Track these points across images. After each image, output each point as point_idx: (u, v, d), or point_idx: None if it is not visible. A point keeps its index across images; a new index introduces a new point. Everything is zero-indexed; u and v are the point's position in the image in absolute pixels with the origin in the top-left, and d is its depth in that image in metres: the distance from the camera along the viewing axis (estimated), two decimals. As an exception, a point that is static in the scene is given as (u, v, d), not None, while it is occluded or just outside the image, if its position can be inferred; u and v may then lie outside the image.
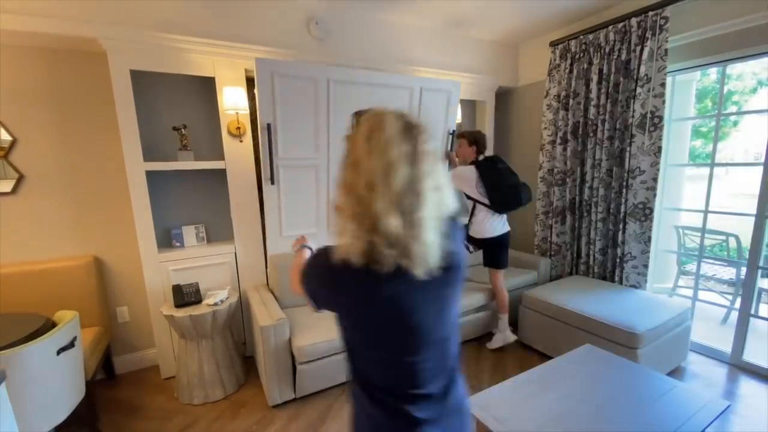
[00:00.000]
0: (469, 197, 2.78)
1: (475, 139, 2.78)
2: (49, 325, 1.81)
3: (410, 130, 0.75)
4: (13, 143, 2.27)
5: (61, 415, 1.68)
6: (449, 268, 0.81)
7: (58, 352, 1.63)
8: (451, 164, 3.09)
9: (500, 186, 2.65)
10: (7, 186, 2.28)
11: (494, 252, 2.81)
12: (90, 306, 2.43)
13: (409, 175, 0.72)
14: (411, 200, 0.72)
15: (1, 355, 1.44)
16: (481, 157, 2.80)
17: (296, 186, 2.63)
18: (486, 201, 2.69)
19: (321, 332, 2.29)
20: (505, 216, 2.80)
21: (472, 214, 2.84)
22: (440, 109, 2.99)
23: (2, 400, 0.95)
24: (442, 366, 0.87)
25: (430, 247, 0.74)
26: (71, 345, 1.72)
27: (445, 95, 2.96)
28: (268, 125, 2.37)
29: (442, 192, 0.77)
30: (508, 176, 2.70)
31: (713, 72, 3.42)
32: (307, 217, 2.76)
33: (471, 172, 2.70)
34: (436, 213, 0.75)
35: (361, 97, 2.56)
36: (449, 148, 3.19)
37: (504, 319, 2.86)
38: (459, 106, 3.26)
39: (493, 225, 2.75)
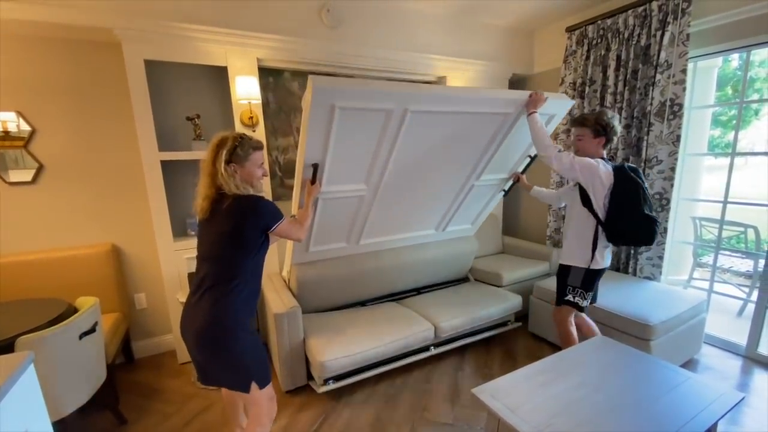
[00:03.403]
0: (584, 200, 2.03)
1: (604, 128, 1.98)
2: (71, 311, 1.87)
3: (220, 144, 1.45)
4: (32, 133, 2.31)
5: (84, 397, 1.75)
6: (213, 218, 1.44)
7: (81, 337, 1.69)
8: (519, 184, 2.62)
9: (636, 212, 1.91)
10: (27, 175, 2.33)
11: (597, 283, 2.14)
12: (109, 293, 2.50)
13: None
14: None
15: (27, 338, 1.50)
16: (607, 159, 2.07)
17: (333, 213, 2.22)
18: (601, 218, 1.99)
19: (346, 345, 2.18)
20: None
21: (573, 228, 2.12)
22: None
23: (32, 381, 0.99)
24: (206, 273, 1.43)
25: (200, 208, 1.46)
26: (93, 330, 1.77)
27: (546, 119, 2.32)
28: (315, 165, 1.87)
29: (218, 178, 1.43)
30: (648, 202, 1.95)
31: (735, 58, 3.31)
32: (339, 236, 2.44)
33: (609, 175, 1.95)
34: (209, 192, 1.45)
35: (440, 126, 2.02)
36: (522, 170, 2.64)
37: None
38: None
39: (610, 250, 2.11)
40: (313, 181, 1.89)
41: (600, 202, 1.97)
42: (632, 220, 1.91)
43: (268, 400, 1.55)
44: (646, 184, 2.00)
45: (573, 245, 2.10)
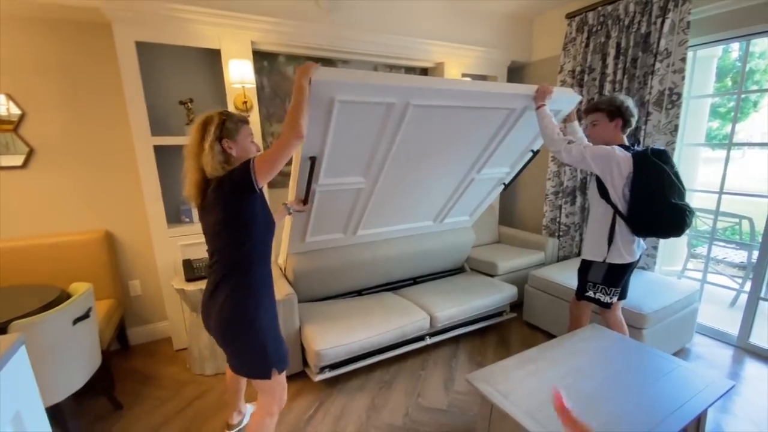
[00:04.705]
0: (601, 191, 1.91)
1: (618, 108, 1.87)
2: (65, 297, 1.86)
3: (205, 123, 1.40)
4: (22, 117, 2.27)
5: (78, 383, 1.75)
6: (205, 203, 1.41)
7: (74, 322, 1.68)
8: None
9: (659, 200, 1.75)
10: (17, 160, 2.29)
11: (623, 279, 1.99)
12: (103, 279, 2.49)
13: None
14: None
15: (19, 323, 1.49)
16: (633, 144, 1.93)
17: (330, 205, 2.18)
18: (621, 210, 1.86)
19: (341, 334, 2.19)
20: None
21: (591, 220, 2.03)
22: (534, 127, 2.17)
23: (23, 363, 0.98)
24: (216, 264, 1.42)
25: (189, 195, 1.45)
26: (86, 315, 1.76)
27: (552, 114, 2.17)
28: (312, 158, 1.80)
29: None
30: (677, 188, 1.78)
31: (735, 50, 3.28)
32: (336, 227, 2.42)
33: (627, 161, 1.79)
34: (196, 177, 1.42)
35: (442, 120, 1.95)
36: (524, 165, 2.59)
37: None
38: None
39: (638, 244, 1.96)
40: (310, 180, 1.84)
41: (618, 192, 1.84)
42: (655, 209, 1.76)
43: (281, 390, 1.54)
44: (676, 169, 1.83)
45: (590, 239, 2.01)
